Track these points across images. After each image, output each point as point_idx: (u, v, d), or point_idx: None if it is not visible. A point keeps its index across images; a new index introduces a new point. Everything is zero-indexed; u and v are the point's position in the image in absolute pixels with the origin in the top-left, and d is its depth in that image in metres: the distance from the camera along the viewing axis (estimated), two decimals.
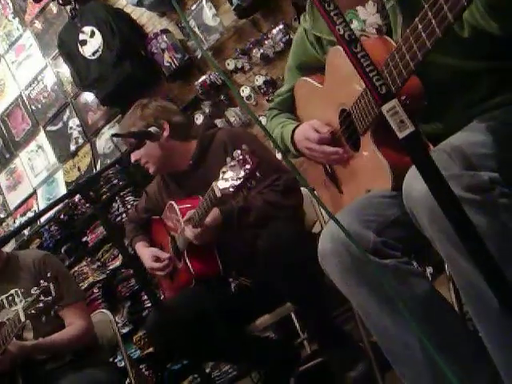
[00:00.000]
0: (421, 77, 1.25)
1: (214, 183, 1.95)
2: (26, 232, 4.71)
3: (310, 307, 2.16)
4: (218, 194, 1.94)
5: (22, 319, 2.06)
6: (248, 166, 1.86)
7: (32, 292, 2.07)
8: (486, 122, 1.25)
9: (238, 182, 1.87)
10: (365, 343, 2.16)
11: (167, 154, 2.36)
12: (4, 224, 5.03)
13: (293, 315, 2.89)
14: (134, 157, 2.34)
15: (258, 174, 1.88)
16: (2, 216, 5.07)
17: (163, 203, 2.45)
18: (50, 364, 2.32)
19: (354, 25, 1.44)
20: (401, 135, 0.96)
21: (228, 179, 1.89)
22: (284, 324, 3.39)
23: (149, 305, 4.24)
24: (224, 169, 1.91)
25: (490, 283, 0.97)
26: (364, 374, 2.11)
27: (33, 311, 2.04)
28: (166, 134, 2.31)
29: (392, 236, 1.30)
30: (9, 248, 4.50)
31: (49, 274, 2.08)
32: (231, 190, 1.88)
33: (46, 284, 2.05)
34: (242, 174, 1.86)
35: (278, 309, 2.27)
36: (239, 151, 1.89)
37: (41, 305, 2.03)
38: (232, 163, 1.88)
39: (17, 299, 2.34)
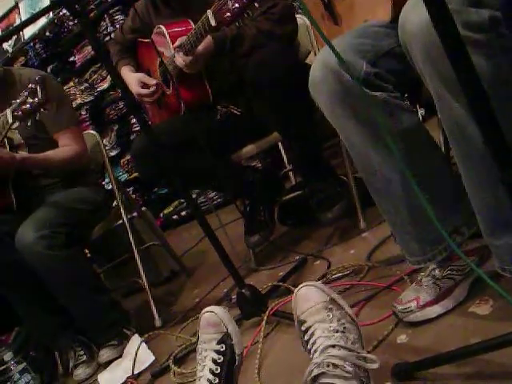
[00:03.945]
0: None
1: (208, 11, 1.84)
2: (9, 49, 4.56)
3: (297, 137, 2.16)
4: (213, 23, 1.83)
5: (10, 120, 2.05)
6: None
7: (20, 95, 2.04)
8: None
9: (235, 10, 1.76)
10: (349, 178, 2.20)
11: None
12: None
13: (280, 146, 2.91)
14: None
15: (256, 5, 1.77)
16: None
17: (151, 24, 2.33)
18: (42, 180, 2.37)
19: None
20: None
21: (223, 7, 1.77)
22: (271, 154, 3.45)
23: (137, 128, 4.25)
24: None
25: (479, 123, 0.95)
26: (339, 216, 2.18)
27: (20, 112, 2.03)
28: None
29: (385, 67, 1.25)
30: None
31: (37, 78, 2.04)
32: (227, 18, 1.77)
33: (33, 86, 2.01)
34: (239, 4, 1.74)
35: (265, 138, 2.27)
36: None
37: (27, 106, 2.01)
38: None
39: None
